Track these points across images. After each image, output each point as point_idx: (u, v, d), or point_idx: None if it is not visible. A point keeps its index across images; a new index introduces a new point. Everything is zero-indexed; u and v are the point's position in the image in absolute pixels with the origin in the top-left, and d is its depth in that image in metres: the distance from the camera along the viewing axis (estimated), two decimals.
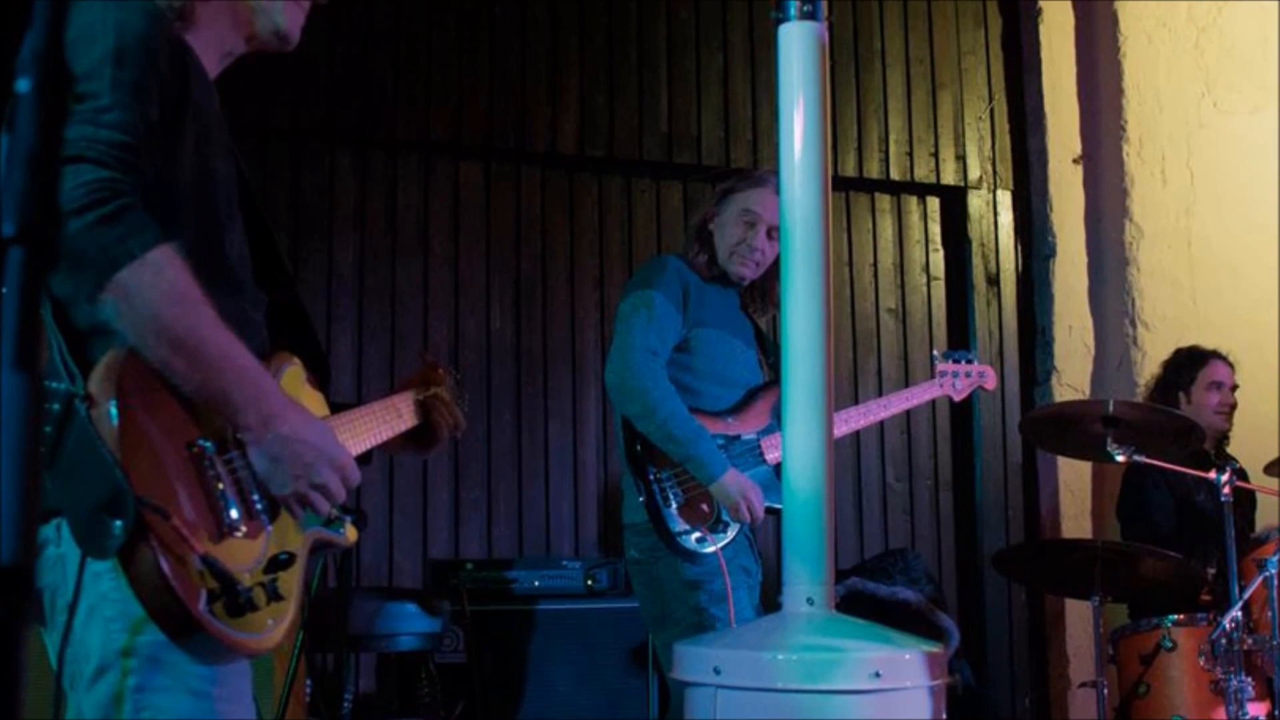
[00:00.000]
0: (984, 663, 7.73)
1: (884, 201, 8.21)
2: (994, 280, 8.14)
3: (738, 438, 5.06)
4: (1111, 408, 5.74)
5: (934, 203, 8.32)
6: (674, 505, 4.86)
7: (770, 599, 4.58)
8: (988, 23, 8.38)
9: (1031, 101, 8.24)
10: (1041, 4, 8.22)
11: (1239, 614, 5.41)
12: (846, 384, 7.87)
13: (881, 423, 6.71)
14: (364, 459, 2.96)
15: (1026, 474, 8.01)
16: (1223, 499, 5.52)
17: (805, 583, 2.97)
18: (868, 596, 6.80)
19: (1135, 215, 7.89)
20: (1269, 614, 5.36)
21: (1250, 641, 5.47)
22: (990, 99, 8.29)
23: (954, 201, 8.26)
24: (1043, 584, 7.04)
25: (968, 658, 7.30)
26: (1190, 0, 8.18)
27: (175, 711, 2.46)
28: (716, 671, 2.87)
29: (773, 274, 5.10)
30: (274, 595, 2.53)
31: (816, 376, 2.98)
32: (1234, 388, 7.02)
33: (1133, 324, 7.79)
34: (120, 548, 2.26)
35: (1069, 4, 8.29)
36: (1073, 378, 7.93)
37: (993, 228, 8.21)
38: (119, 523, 2.24)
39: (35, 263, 1.27)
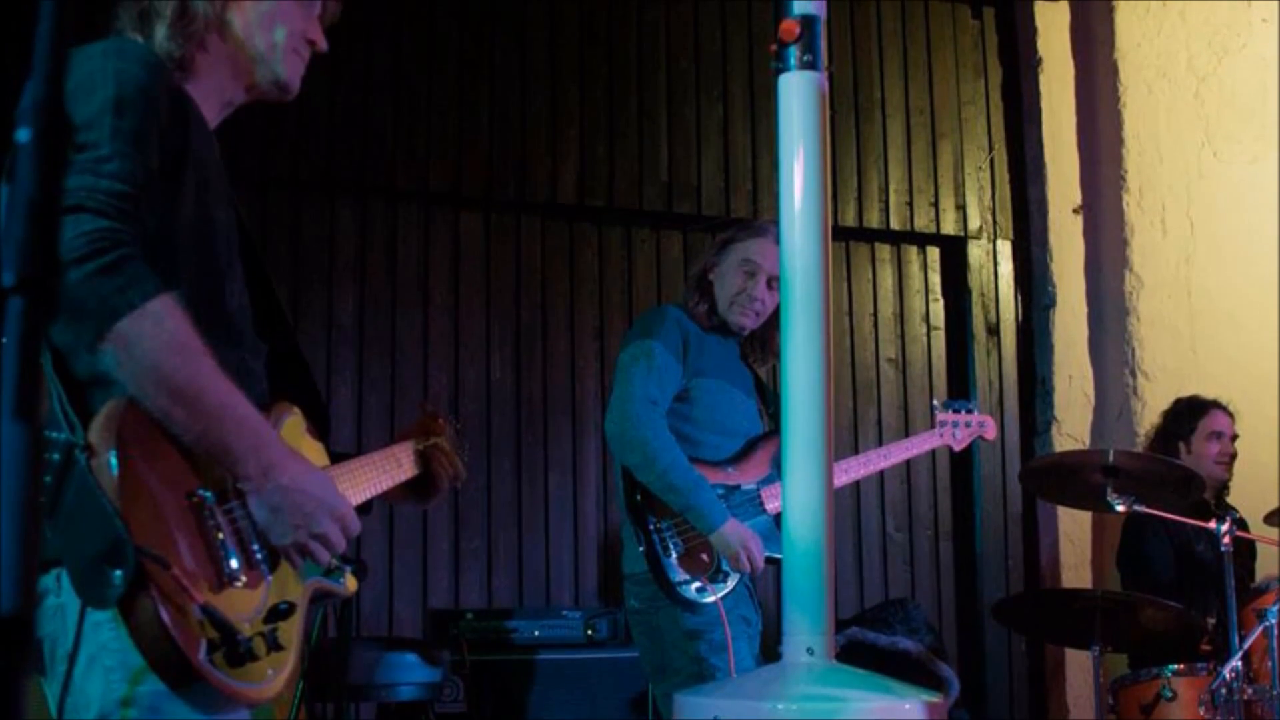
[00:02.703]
0: (984, 713, 7.70)
1: (884, 251, 8.22)
2: (994, 330, 8.14)
3: (738, 487, 5.04)
4: (1111, 457, 5.74)
5: (934, 252, 8.33)
6: (674, 555, 4.85)
7: (770, 649, 4.55)
8: (988, 73, 8.40)
9: (1031, 151, 8.26)
10: (1041, 54, 8.24)
11: (1239, 664, 5.39)
12: (846, 434, 7.86)
13: (881, 472, 6.70)
14: (364, 509, 2.95)
15: (1026, 524, 7.99)
16: (1223, 549, 5.52)
17: (805, 632, 2.96)
18: (868, 646, 6.79)
19: (1135, 265, 7.90)
20: (1269, 664, 5.35)
21: (1250, 691, 5.45)
22: (990, 149, 8.31)
23: (954, 251, 8.27)
24: (1043, 634, 7.02)
25: (968, 707, 7.28)
26: (1190, 50, 8.21)
27: None
28: None
29: (773, 324, 5.09)
30: (274, 645, 2.52)
31: (816, 426, 2.97)
32: (1234, 437, 7.02)
33: (1133, 374, 7.79)
34: (120, 597, 2.26)
35: (1069, 54, 8.31)
36: (1073, 427, 7.92)
37: (993, 277, 8.22)
38: (119, 572, 2.23)
39: (35, 313, 1.27)
